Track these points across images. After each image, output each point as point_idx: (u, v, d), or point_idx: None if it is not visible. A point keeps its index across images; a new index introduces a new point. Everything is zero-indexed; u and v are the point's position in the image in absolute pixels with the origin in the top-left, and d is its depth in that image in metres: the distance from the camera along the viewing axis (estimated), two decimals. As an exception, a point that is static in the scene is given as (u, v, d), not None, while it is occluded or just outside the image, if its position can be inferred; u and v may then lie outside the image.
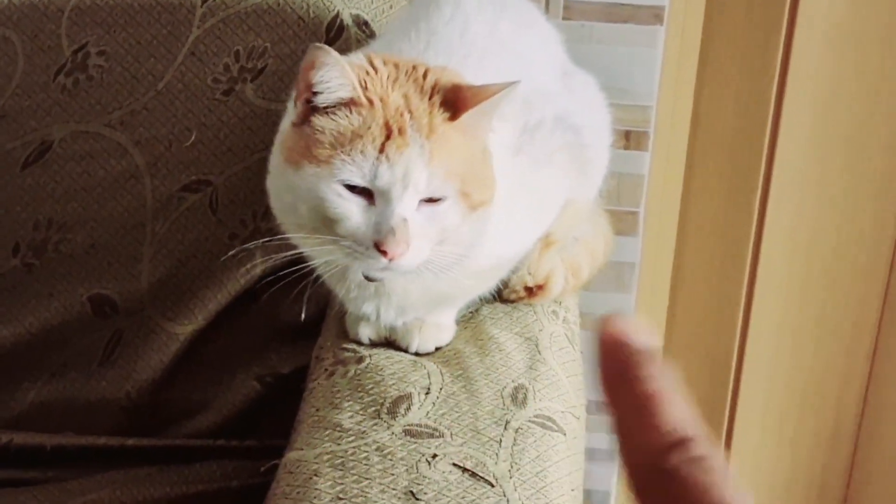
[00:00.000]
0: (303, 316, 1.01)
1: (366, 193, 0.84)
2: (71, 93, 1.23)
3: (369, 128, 0.83)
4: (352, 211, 0.84)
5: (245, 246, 1.14)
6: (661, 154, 1.49)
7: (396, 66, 0.88)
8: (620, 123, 1.39)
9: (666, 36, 1.40)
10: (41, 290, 1.23)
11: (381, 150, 0.83)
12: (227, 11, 1.21)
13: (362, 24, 1.21)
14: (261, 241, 1.02)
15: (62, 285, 1.23)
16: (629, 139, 1.43)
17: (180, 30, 1.21)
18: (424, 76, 0.87)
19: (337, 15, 1.20)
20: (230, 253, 1.16)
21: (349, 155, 0.83)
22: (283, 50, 1.20)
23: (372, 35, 1.20)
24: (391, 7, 1.23)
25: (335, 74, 0.84)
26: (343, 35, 1.20)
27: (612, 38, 1.38)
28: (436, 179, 0.84)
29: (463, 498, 0.81)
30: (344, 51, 1.18)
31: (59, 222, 1.23)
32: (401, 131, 0.83)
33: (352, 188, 0.84)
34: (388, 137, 0.83)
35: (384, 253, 0.83)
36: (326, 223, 0.85)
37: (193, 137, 1.21)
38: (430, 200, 0.85)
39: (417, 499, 0.80)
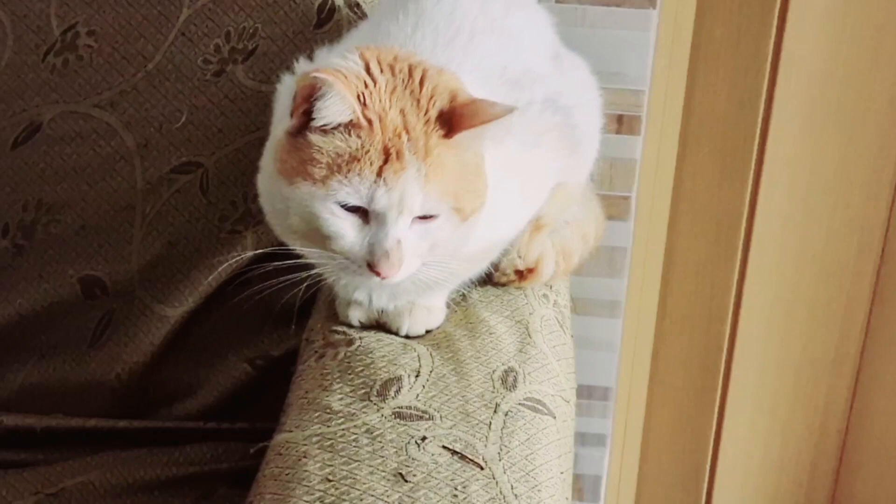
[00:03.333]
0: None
1: (360, 211, 0.84)
2: (60, 73, 1.22)
3: (367, 151, 0.83)
4: (346, 230, 0.85)
5: (245, 264, 1.12)
6: (653, 138, 1.49)
7: (392, 69, 0.87)
8: (613, 107, 1.39)
9: (659, 19, 1.40)
10: (31, 272, 1.23)
11: (379, 174, 0.83)
12: (217, -8, 1.20)
13: (354, 6, 1.20)
14: (258, 250, 1.06)
15: (52, 267, 1.23)
16: (621, 123, 1.43)
17: (171, 10, 1.20)
18: (421, 83, 0.86)
19: (328, -4, 1.20)
20: (233, 264, 1.16)
21: (346, 177, 0.83)
22: (274, 31, 1.19)
23: (363, 16, 1.19)
24: (383, -12, 1.22)
25: (335, 102, 0.83)
26: (334, 17, 1.19)
27: (604, 21, 1.38)
28: (430, 200, 0.84)
29: (452, 480, 0.81)
30: (334, 32, 1.18)
31: (48, 203, 1.22)
32: (398, 155, 0.83)
33: (347, 206, 0.84)
34: (385, 161, 0.83)
35: (377, 273, 0.85)
36: (319, 237, 0.86)
37: (184, 119, 1.20)
38: (424, 217, 0.85)
39: (406, 480, 0.80)
